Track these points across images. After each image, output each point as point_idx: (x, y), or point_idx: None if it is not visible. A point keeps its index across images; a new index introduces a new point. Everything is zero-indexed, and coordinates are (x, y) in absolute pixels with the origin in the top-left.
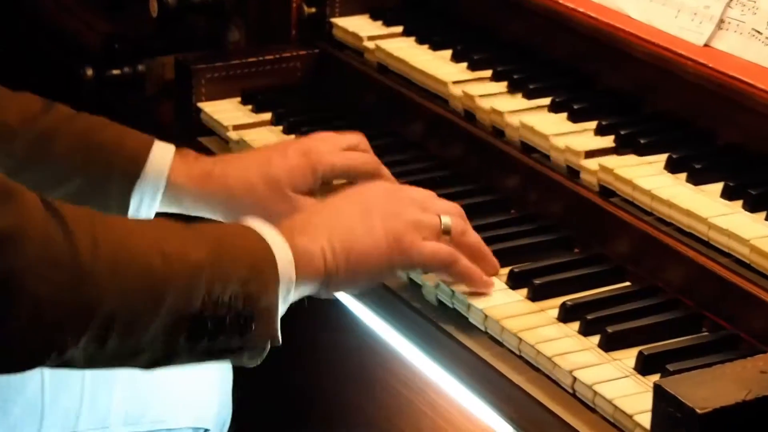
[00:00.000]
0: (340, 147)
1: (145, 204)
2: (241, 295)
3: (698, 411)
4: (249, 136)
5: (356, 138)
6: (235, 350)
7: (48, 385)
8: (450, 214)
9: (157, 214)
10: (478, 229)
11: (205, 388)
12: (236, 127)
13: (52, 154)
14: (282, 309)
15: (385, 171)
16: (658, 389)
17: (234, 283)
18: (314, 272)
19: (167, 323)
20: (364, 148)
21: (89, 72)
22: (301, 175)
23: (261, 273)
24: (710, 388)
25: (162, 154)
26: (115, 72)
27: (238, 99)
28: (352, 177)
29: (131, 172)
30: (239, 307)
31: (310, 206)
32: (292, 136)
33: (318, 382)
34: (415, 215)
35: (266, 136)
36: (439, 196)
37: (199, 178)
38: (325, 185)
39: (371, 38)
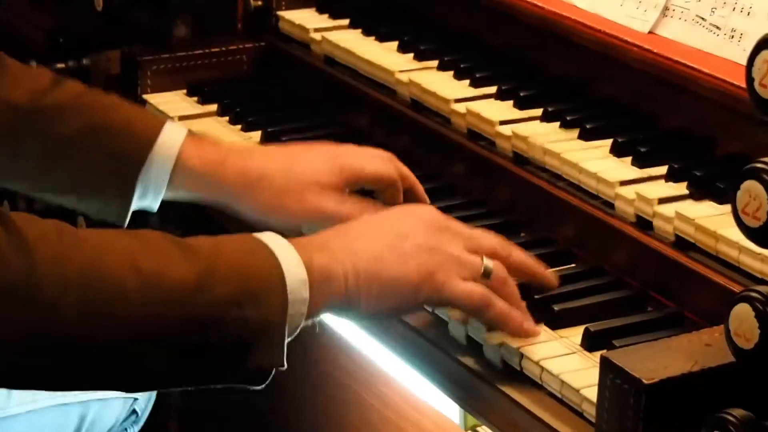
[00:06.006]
0: (371, 154)
1: (151, 191)
2: (238, 319)
3: (645, 381)
4: (195, 126)
5: (387, 153)
6: (231, 379)
7: None
8: (494, 253)
9: (165, 204)
10: None
11: None
12: (182, 118)
13: (54, 135)
14: (291, 333)
15: (419, 188)
16: (605, 361)
17: (228, 305)
18: (332, 295)
19: (146, 353)
20: (396, 164)
21: (32, 65)
22: (326, 173)
23: (264, 295)
24: (657, 360)
25: (172, 135)
26: (60, 66)
27: (184, 91)
28: (383, 186)
29: (137, 156)
30: (234, 333)
31: (337, 226)
32: (239, 127)
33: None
34: (456, 251)
35: (212, 126)
36: None
37: (213, 163)
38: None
39: (317, 30)
